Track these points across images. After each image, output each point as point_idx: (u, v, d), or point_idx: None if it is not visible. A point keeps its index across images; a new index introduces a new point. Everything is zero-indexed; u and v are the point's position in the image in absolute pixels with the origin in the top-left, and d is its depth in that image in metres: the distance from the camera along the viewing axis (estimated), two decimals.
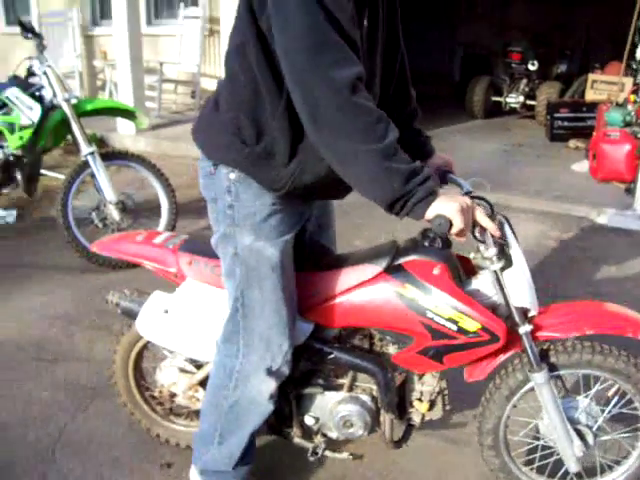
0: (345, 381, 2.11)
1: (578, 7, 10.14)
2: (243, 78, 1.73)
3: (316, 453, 2.18)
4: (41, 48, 4.11)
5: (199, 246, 2.18)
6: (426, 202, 1.62)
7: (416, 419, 2.14)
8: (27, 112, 4.04)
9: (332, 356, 2.05)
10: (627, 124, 6.09)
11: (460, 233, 1.67)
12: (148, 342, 2.38)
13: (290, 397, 2.12)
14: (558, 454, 2.11)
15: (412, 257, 1.93)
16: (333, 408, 2.10)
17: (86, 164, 4.06)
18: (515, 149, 7.64)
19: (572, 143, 7.56)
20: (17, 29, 4.18)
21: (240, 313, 1.92)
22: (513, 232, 1.92)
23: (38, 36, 4.11)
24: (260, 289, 1.88)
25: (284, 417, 2.17)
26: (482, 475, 2.35)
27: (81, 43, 9.49)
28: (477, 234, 1.77)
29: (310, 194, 1.90)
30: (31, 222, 4.96)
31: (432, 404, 2.10)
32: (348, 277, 1.97)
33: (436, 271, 1.89)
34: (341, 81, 1.54)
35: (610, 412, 2.10)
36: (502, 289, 1.87)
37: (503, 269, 1.85)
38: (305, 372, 2.12)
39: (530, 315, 1.92)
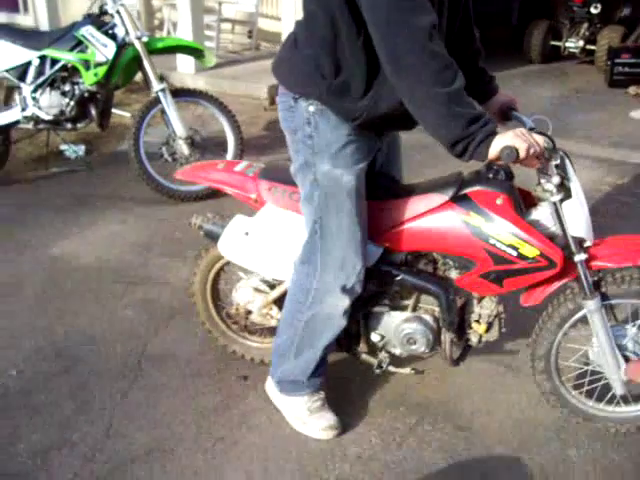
0: (410, 302, 2.30)
1: None
2: (322, 17, 1.88)
3: (381, 367, 2.38)
4: None
5: (277, 173, 2.35)
6: (486, 143, 1.79)
7: (474, 340, 2.31)
8: (102, 49, 4.20)
9: (399, 278, 2.23)
10: None
11: (528, 159, 1.82)
12: (225, 264, 2.60)
13: (359, 316, 2.31)
14: (606, 379, 2.27)
15: (477, 188, 2.09)
16: (398, 326, 2.29)
17: (157, 100, 4.24)
18: (573, 95, 7.56)
19: (632, 89, 7.44)
20: None
21: (318, 235, 2.11)
22: (573, 167, 2.05)
23: None
24: (337, 213, 2.05)
25: (352, 335, 2.37)
26: (531, 396, 2.53)
27: None
28: (541, 167, 1.91)
29: (382, 125, 2.06)
30: (100, 156, 5.19)
31: (489, 326, 2.27)
32: (416, 205, 2.14)
33: (499, 201, 2.04)
34: (419, 27, 1.70)
35: None
36: (560, 219, 2.02)
37: (562, 201, 2.00)
38: (373, 293, 2.31)
39: (585, 245, 2.07)
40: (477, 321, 2.28)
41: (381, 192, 2.21)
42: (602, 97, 7.43)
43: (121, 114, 5.38)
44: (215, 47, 8.19)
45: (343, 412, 2.40)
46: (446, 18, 1.95)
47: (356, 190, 2.05)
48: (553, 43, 9.21)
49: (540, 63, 9.20)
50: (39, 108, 4.36)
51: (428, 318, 2.28)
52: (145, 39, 4.27)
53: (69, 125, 4.51)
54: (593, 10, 8.81)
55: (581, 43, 9.01)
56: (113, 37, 4.27)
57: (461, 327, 2.30)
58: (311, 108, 2.00)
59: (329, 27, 1.88)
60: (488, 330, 2.28)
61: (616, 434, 2.36)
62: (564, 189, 2.00)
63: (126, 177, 4.56)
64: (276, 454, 2.26)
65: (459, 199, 2.09)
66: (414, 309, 2.30)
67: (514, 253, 2.04)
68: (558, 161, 1.96)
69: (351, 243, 2.08)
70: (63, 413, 2.43)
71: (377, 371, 2.39)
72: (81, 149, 5.20)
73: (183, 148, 4.32)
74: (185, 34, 7.34)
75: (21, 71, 4.36)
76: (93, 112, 4.48)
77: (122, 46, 4.27)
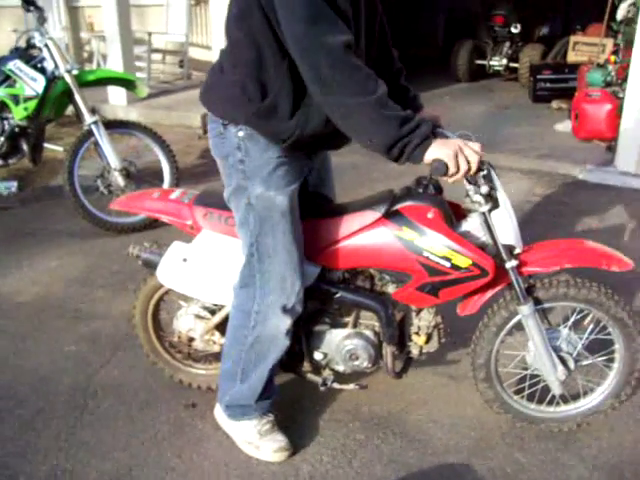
0: (350, 319, 2.34)
1: None
2: (246, 43, 1.93)
3: (325, 384, 2.42)
4: (41, 20, 4.23)
5: (212, 199, 2.38)
6: (423, 146, 1.85)
7: (415, 352, 2.38)
8: (31, 83, 4.17)
9: (338, 295, 2.28)
10: (608, 84, 6.28)
11: (455, 175, 1.91)
12: (164, 294, 2.60)
13: (301, 335, 2.34)
14: (544, 381, 2.36)
15: (408, 203, 2.16)
16: (340, 343, 2.33)
17: (90, 133, 4.21)
18: (500, 111, 7.83)
19: (555, 104, 7.75)
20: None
21: (255, 258, 2.13)
22: (498, 178, 2.14)
23: (39, 9, 4.22)
24: (273, 234, 2.09)
25: (296, 355, 2.40)
26: (476, 404, 2.58)
27: (66, 14, 9.50)
28: (469, 178, 2.00)
29: (312, 145, 2.11)
30: (33, 192, 5.10)
31: (429, 337, 2.34)
32: (350, 223, 2.20)
33: (430, 215, 2.12)
34: (334, 44, 1.77)
35: (587, 339, 2.36)
36: (490, 229, 2.11)
37: (490, 210, 2.09)
38: (314, 312, 2.35)
39: (515, 252, 2.16)
40: (417, 333, 2.34)
41: (315, 211, 2.26)
42: (527, 112, 7.71)
43: (53, 148, 5.31)
44: (147, 78, 8.18)
45: (294, 433, 2.41)
46: (364, 39, 2.02)
47: (290, 210, 2.09)
48: (478, 62, 9.52)
49: (467, 81, 9.49)
50: None
51: (369, 333, 2.32)
52: (75, 72, 4.26)
53: (0, 161, 4.43)
54: (513, 30, 9.17)
55: (504, 61, 9.35)
56: (42, 71, 4.25)
57: (401, 340, 2.36)
58: (240, 133, 2.03)
59: (254, 51, 1.93)
60: (428, 341, 2.34)
61: (559, 433, 2.45)
62: (492, 199, 2.08)
63: (61, 211, 4.50)
64: (230, 479, 2.25)
65: (391, 215, 2.16)
66: (354, 325, 2.34)
67: (447, 264, 2.11)
68: (485, 172, 2.04)
69: (289, 263, 2.12)
70: (6, 457, 2.36)
71: (322, 388, 2.42)
72: (13, 185, 5.09)
73: (118, 180, 4.29)
74: (116, 66, 7.31)
75: None
76: (24, 147, 4.44)
77: (52, 79, 4.25)
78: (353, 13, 1.92)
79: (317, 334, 2.36)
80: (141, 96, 5.01)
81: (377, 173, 5.36)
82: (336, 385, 2.44)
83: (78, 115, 4.30)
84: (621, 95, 5.77)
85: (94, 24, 8.92)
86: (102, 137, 4.20)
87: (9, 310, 3.35)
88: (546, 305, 2.27)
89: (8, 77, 4.22)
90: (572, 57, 8.21)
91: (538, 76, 8.01)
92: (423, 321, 2.32)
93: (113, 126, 4.39)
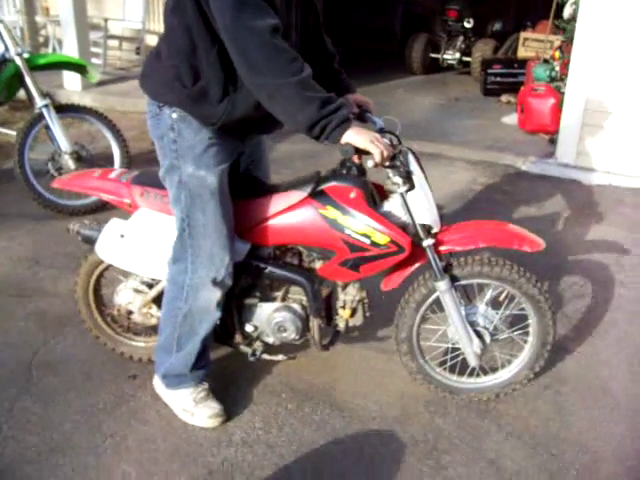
0: (279, 293, 2.49)
1: None
2: (180, 30, 2.07)
3: (255, 355, 2.57)
4: None
5: (149, 179, 2.49)
6: (342, 128, 2.01)
7: (341, 325, 2.53)
8: None
9: (267, 271, 2.42)
10: (552, 79, 6.50)
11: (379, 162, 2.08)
12: (105, 270, 2.71)
13: (233, 309, 2.49)
14: (463, 354, 2.53)
15: (332, 183, 2.30)
16: (269, 316, 2.48)
17: (40, 116, 4.25)
18: (451, 103, 8.03)
19: (504, 97, 7.98)
20: None
21: (187, 233, 2.27)
22: (418, 162, 2.31)
23: None
24: (203, 211, 2.22)
25: (228, 327, 2.54)
26: (402, 376, 2.74)
27: None
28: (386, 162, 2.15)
29: (242, 128, 2.24)
30: None
31: (354, 311, 2.50)
32: (278, 202, 2.34)
33: (352, 195, 2.27)
34: (260, 28, 1.91)
35: (503, 314, 2.53)
36: (407, 208, 2.26)
37: (407, 191, 2.24)
38: (245, 287, 2.49)
39: (433, 232, 2.32)
40: (342, 307, 2.49)
41: (246, 191, 2.39)
42: (477, 105, 7.93)
43: (6, 132, 5.32)
44: (102, 64, 8.17)
45: (228, 402, 2.54)
46: (296, 29, 2.16)
47: (219, 189, 2.22)
48: (432, 55, 9.72)
49: (422, 74, 9.69)
50: None
51: (296, 307, 2.47)
52: (26, 55, 4.29)
53: None
54: (467, 24, 9.39)
55: (457, 55, 9.57)
56: None
57: (328, 314, 2.52)
58: (174, 115, 2.17)
59: (186, 38, 2.06)
60: (353, 315, 2.50)
61: (479, 403, 2.63)
62: (409, 181, 2.24)
63: (13, 194, 4.52)
64: (165, 445, 2.37)
65: (317, 195, 2.30)
66: (283, 299, 2.49)
67: (367, 241, 2.26)
68: (400, 160, 2.20)
69: (218, 238, 2.25)
70: None
71: (251, 359, 2.57)
72: None
73: (69, 163, 4.34)
74: (71, 51, 7.29)
75: None
76: None
77: (2, 62, 4.27)
78: (286, 4, 2.06)
79: (248, 308, 2.50)
80: (92, 81, 5.05)
81: (327, 160, 5.46)
82: (265, 356, 2.59)
83: (29, 98, 4.34)
84: (564, 90, 5.99)
85: (49, 8, 8.86)
86: (53, 120, 4.24)
87: None
88: (463, 282, 2.43)
89: None
90: (522, 53, 8.45)
91: (489, 70, 8.22)
92: (348, 296, 2.47)
93: (65, 110, 4.43)
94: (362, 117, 2.48)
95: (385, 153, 2.08)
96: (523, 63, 7.77)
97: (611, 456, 2.40)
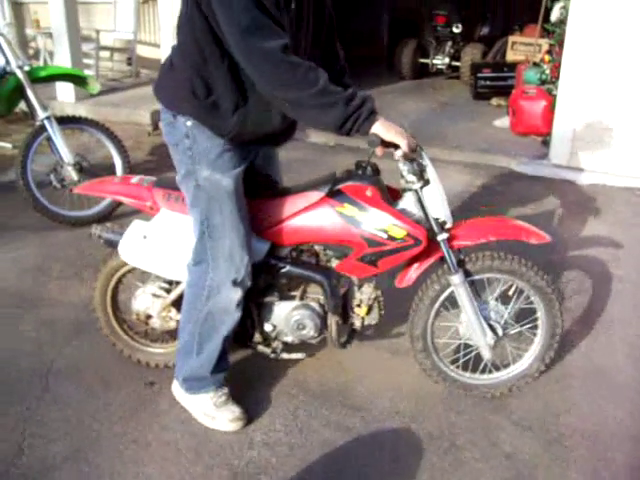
0: (297, 292, 2.56)
1: None
2: (191, 45, 2.15)
3: (275, 352, 2.63)
4: None
5: (169, 183, 2.55)
6: (370, 120, 2.11)
7: (357, 323, 2.60)
8: None
9: (286, 270, 2.49)
10: (543, 82, 6.59)
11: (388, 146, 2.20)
12: (122, 276, 2.75)
13: (252, 308, 2.54)
14: (476, 349, 2.60)
15: (349, 183, 2.40)
16: (288, 314, 2.54)
17: (42, 128, 4.27)
18: (442, 107, 8.11)
19: (494, 101, 8.08)
20: None
21: (206, 235, 2.33)
22: (429, 160, 2.40)
23: None
24: (221, 213, 2.28)
25: (247, 327, 2.59)
26: (416, 375, 2.80)
27: (10, 10, 9.42)
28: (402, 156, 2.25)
29: (252, 141, 2.31)
30: None
31: (369, 309, 2.57)
32: (296, 202, 2.42)
33: (369, 192, 2.36)
34: (271, 48, 2.00)
35: (513, 308, 2.61)
36: (422, 204, 2.36)
37: (422, 187, 2.34)
38: (264, 286, 2.55)
39: (447, 227, 2.41)
40: (358, 305, 2.56)
41: (264, 192, 2.47)
42: (468, 108, 8.02)
43: (2, 145, 5.34)
44: (95, 75, 8.18)
45: (247, 405, 2.58)
46: (308, 44, 2.24)
47: (235, 191, 2.28)
48: (422, 60, 9.82)
49: (411, 79, 9.78)
50: None
51: (314, 305, 2.54)
52: (27, 68, 4.32)
53: None
54: (455, 29, 9.49)
55: (447, 60, 9.66)
56: None
57: (345, 312, 2.58)
58: (189, 123, 2.24)
59: (197, 52, 2.14)
60: (369, 312, 2.57)
61: (492, 399, 2.68)
62: (423, 178, 2.34)
63: (13, 206, 4.54)
64: (188, 449, 2.41)
65: (334, 194, 2.39)
66: (302, 298, 2.56)
67: (385, 236, 2.34)
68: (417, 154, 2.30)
69: (236, 239, 2.31)
70: None
71: (272, 356, 2.63)
72: None
73: (72, 174, 4.36)
74: (63, 63, 7.30)
75: None
76: None
77: (2, 76, 4.29)
78: (296, 21, 2.15)
79: (267, 306, 2.56)
80: (93, 92, 5.07)
81: (324, 166, 5.53)
82: (285, 355, 2.65)
83: (30, 111, 4.36)
84: (555, 92, 6.08)
85: (40, 21, 8.87)
86: (55, 132, 4.27)
87: None
88: (475, 277, 2.51)
89: None
90: (511, 56, 8.56)
91: (479, 74, 8.31)
92: (364, 294, 2.54)
93: (65, 122, 4.45)
94: None
95: (412, 145, 2.18)
96: (512, 66, 7.86)
97: (622, 447, 2.46)
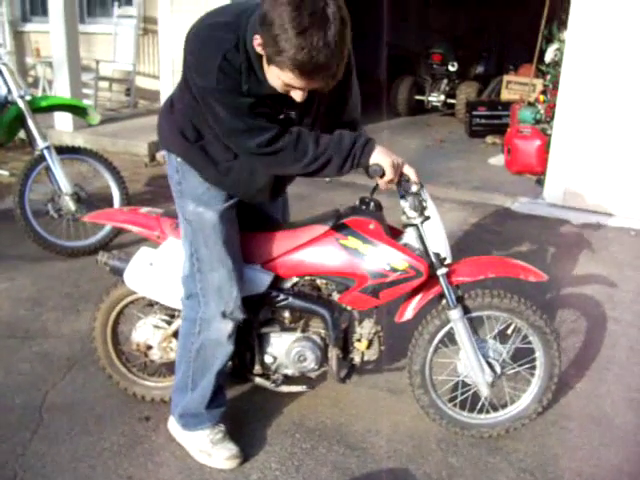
0: (299, 324, 2.56)
1: (493, 12, 10.80)
2: (187, 97, 2.15)
3: (275, 382, 2.62)
4: None
5: (176, 214, 2.54)
6: (366, 153, 2.14)
7: (357, 358, 2.60)
8: None
9: (288, 302, 2.49)
10: (537, 121, 6.69)
11: (390, 181, 2.21)
12: (125, 307, 2.74)
13: (253, 340, 2.54)
14: (474, 386, 2.59)
15: (352, 217, 2.45)
16: (289, 346, 2.54)
17: (42, 157, 4.29)
18: (437, 144, 8.20)
19: (489, 139, 8.18)
20: None
21: (196, 267, 2.35)
22: (429, 197, 2.44)
23: None
24: (206, 245, 2.31)
25: (245, 360, 2.58)
26: (413, 415, 2.79)
27: (11, 39, 9.51)
28: (403, 184, 2.30)
29: (236, 195, 2.34)
30: None
31: (370, 344, 2.57)
32: (300, 235, 2.46)
33: (372, 226, 2.42)
34: (256, 147, 2.05)
35: (511, 347, 2.61)
36: (422, 238, 2.40)
37: (423, 222, 2.38)
38: (265, 318, 2.56)
39: (446, 262, 2.44)
40: (359, 340, 2.57)
41: (268, 225, 2.51)
42: (463, 146, 8.10)
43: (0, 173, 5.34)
44: (93, 105, 8.23)
45: (244, 443, 2.55)
46: (316, 123, 2.24)
47: (220, 224, 2.29)
48: (417, 97, 9.94)
49: (407, 116, 9.89)
50: None
51: (316, 337, 2.54)
52: (28, 97, 4.35)
53: None
54: (451, 68, 9.63)
55: (442, 97, 9.78)
56: None
57: (345, 347, 2.59)
58: (178, 159, 2.29)
59: (190, 106, 2.16)
60: (369, 347, 2.57)
61: (490, 439, 2.66)
62: (424, 213, 2.38)
63: (9, 235, 4.53)
64: None
65: (338, 227, 2.43)
66: (303, 330, 2.56)
67: (387, 267, 2.38)
68: (416, 188, 2.32)
69: (224, 272, 2.32)
70: None
71: (272, 387, 2.63)
72: None
73: (69, 204, 4.37)
74: (63, 92, 7.35)
75: None
76: None
77: (4, 105, 4.32)
78: (300, 117, 2.15)
79: (268, 338, 2.56)
80: (93, 123, 5.11)
81: (321, 202, 5.58)
82: (284, 388, 2.64)
83: (30, 140, 4.38)
84: (549, 132, 6.16)
85: (40, 49, 8.94)
86: (54, 162, 4.28)
87: None
88: (474, 314, 2.52)
89: None
90: (505, 95, 8.68)
91: (474, 112, 8.41)
92: (365, 329, 2.56)
93: (64, 152, 4.46)
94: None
95: (395, 179, 2.22)
96: (507, 105, 7.96)
97: None
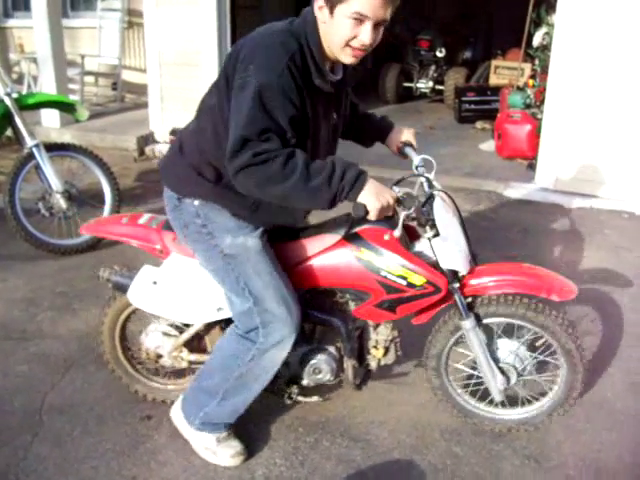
0: (314, 336, 2.50)
1: None
2: (210, 133, 2.14)
3: (291, 398, 2.56)
4: None
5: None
6: (356, 189, 2.02)
7: (373, 364, 2.54)
8: None
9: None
10: (527, 106, 6.67)
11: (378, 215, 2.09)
12: (136, 309, 2.65)
13: None
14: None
15: (365, 226, 2.29)
16: (304, 358, 2.47)
17: (31, 156, 4.23)
18: (427, 131, 8.15)
19: (479, 124, 8.16)
20: None
21: (252, 302, 2.24)
22: (453, 201, 2.37)
23: None
24: (258, 274, 2.22)
25: None
26: (418, 406, 2.79)
27: None
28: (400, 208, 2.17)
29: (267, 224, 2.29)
30: None
31: (386, 350, 2.50)
32: (312, 245, 2.34)
33: (386, 237, 2.26)
34: (252, 154, 1.94)
35: (536, 358, 2.53)
36: (434, 254, 2.28)
37: (432, 237, 2.24)
38: None
39: (460, 275, 2.33)
40: (375, 347, 2.50)
41: (279, 236, 2.37)
42: (453, 132, 8.08)
43: None
44: (80, 100, 8.14)
45: (248, 439, 2.54)
46: (328, 131, 2.25)
47: (264, 249, 2.24)
48: (406, 84, 9.89)
49: (395, 103, 9.83)
50: None
51: (331, 349, 2.47)
52: (15, 95, 4.28)
53: None
54: (438, 54, 9.58)
55: (430, 84, 9.75)
56: None
57: (361, 354, 2.52)
58: (196, 202, 2.24)
59: (213, 141, 2.13)
60: (385, 354, 2.50)
61: (493, 429, 2.66)
62: (434, 228, 2.22)
63: (0, 235, 4.48)
64: None
65: (350, 237, 2.30)
66: (318, 341, 2.50)
67: (404, 282, 2.27)
68: (411, 211, 2.15)
69: (279, 296, 2.22)
70: None
71: (288, 401, 2.58)
72: None
73: (60, 202, 4.32)
74: (48, 88, 7.27)
75: None
76: None
77: None
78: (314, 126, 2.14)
79: None
80: (81, 119, 5.05)
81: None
82: (301, 398, 2.59)
83: (18, 138, 4.33)
84: (539, 116, 6.16)
85: (24, 45, 8.83)
86: (44, 160, 4.23)
87: None
88: (486, 321, 2.43)
89: None
90: (494, 80, 8.66)
91: (463, 98, 8.39)
92: (381, 335, 2.48)
93: (54, 149, 4.41)
94: (402, 151, 2.55)
95: (382, 213, 2.09)
96: (496, 90, 7.95)
97: (626, 476, 2.45)
